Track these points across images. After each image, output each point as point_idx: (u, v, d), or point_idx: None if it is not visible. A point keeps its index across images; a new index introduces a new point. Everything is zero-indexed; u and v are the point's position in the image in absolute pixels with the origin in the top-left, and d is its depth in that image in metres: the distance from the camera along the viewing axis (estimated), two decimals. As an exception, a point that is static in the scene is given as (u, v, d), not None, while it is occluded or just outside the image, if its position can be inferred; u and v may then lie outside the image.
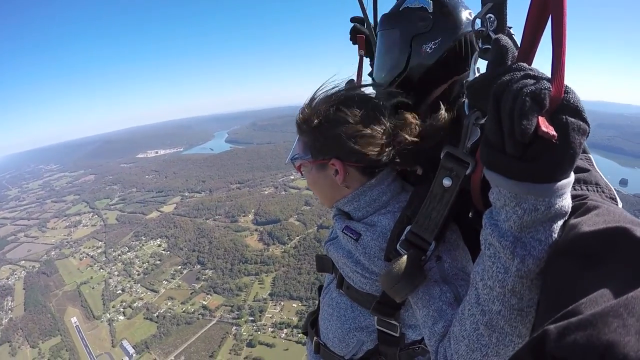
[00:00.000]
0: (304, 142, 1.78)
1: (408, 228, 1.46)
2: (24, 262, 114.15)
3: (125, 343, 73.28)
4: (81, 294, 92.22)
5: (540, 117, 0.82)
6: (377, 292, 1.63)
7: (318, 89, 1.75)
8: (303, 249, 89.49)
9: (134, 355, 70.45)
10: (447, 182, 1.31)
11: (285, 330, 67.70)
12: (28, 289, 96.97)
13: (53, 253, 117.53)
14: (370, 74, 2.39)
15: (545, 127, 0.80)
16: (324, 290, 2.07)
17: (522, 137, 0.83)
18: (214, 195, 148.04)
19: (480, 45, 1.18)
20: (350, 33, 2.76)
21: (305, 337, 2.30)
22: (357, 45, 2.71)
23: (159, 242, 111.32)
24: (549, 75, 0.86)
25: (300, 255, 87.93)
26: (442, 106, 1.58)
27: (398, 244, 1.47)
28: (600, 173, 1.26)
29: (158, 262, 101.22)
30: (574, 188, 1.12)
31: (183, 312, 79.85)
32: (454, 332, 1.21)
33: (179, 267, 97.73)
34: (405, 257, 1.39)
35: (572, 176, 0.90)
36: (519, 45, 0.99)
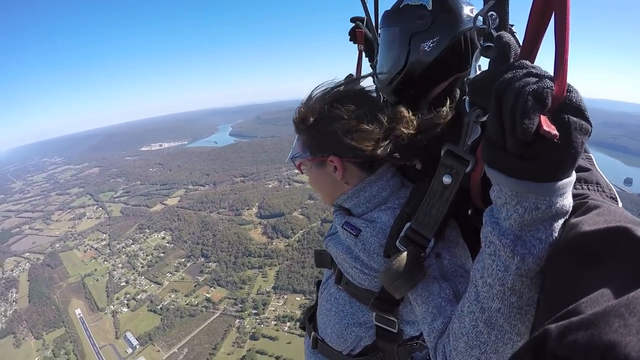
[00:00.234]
0: (302, 141, 1.80)
1: (408, 225, 1.47)
2: (28, 254, 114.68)
3: (129, 335, 73.60)
4: (85, 286, 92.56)
5: (542, 116, 0.82)
6: (375, 288, 1.63)
7: (314, 88, 1.76)
8: (307, 243, 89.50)
9: (137, 346, 70.81)
10: (447, 180, 1.31)
11: (288, 324, 67.78)
12: (32, 280, 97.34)
13: (57, 245, 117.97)
14: (374, 69, 2.33)
15: (547, 126, 0.80)
16: (323, 286, 2.09)
17: (523, 136, 0.83)
18: (218, 188, 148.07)
19: (482, 43, 1.17)
20: (350, 33, 2.79)
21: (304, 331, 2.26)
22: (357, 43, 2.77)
23: (163, 235, 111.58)
24: (552, 74, 0.85)
25: (303, 248, 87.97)
26: (446, 102, 1.59)
27: (397, 241, 1.48)
28: (601, 172, 1.25)
29: (162, 254, 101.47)
30: (574, 187, 1.10)
31: (187, 304, 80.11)
32: (453, 329, 1.21)
33: (183, 259, 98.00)
34: (404, 253, 1.39)
35: (574, 175, 0.90)
36: (521, 43, 0.98)
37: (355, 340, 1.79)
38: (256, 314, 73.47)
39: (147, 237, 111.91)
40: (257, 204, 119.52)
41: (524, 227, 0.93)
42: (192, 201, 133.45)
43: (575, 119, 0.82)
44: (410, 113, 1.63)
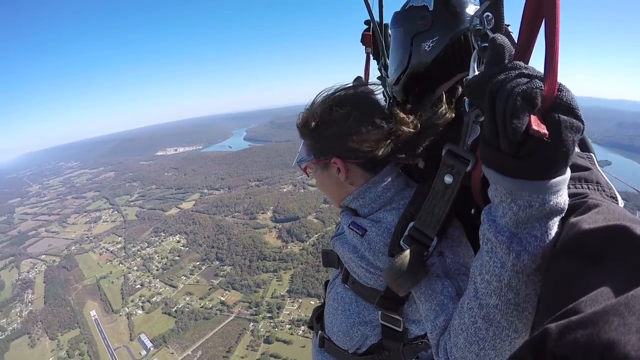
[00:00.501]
0: (307, 145, 1.86)
1: (411, 224, 1.51)
2: (44, 256, 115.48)
3: (143, 337, 73.43)
4: (100, 288, 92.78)
5: (532, 116, 0.83)
6: (381, 287, 1.67)
7: (317, 94, 1.82)
8: (322, 247, 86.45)
9: (151, 349, 70.52)
10: (448, 179, 1.33)
11: (302, 328, 66.65)
12: (48, 282, 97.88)
13: (73, 248, 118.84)
14: (380, 70, 2.58)
15: (537, 125, 0.81)
16: (330, 285, 2.13)
17: (513, 136, 0.84)
18: (232, 192, 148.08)
19: (480, 44, 1.18)
20: (362, 34, 2.83)
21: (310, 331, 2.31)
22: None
23: (178, 238, 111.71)
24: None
25: (318, 252, 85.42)
26: (443, 101, 1.63)
27: (401, 240, 1.52)
28: (602, 172, 1.26)
29: (177, 257, 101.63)
30: (574, 186, 1.14)
31: (201, 307, 79.79)
32: (453, 326, 1.23)
33: (198, 263, 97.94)
34: (407, 251, 1.43)
35: (568, 173, 0.91)
36: (516, 44, 1.01)
37: (361, 339, 1.83)
38: (270, 318, 72.80)
39: (162, 241, 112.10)
40: (271, 207, 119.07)
41: (519, 225, 0.95)
42: (207, 205, 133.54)
43: (565, 117, 0.83)
44: (410, 113, 1.67)
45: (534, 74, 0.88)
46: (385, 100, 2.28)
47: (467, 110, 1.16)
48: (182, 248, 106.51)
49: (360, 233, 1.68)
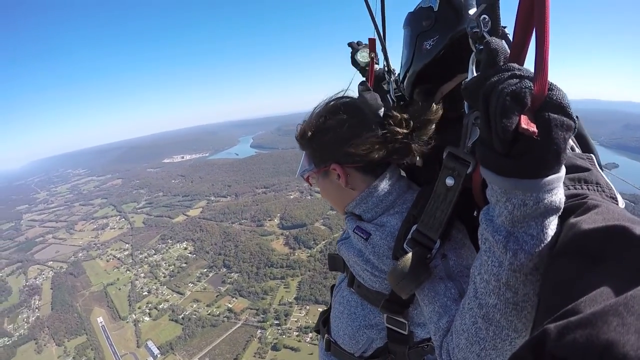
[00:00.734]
0: (307, 155, 1.89)
1: (414, 227, 1.52)
2: (51, 262, 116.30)
3: (150, 344, 73.38)
4: (107, 295, 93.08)
5: (522, 115, 0.84)
6: (386, 290, 1.69)
7: (314, 108, 1.87)
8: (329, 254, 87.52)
9: (158, 356, 70.43)
10: (449, 182, 1.35)
11: (310, 335, 66.47)
12: (55, 288, 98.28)
13: (80, 254, 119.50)
14: (389, 74, 2.56)
15: (526, 124, 0.83)
16: (336, 289, 2.15)
17: (503, 135, 0.86)
18: (239, 199, 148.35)
19: (477, 46, 1.18)
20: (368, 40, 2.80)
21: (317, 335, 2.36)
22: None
23: (185, 245, 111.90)
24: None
25: (326, 259, 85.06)
26: (435, 102, 1.69)
27: (405, 243, 1.53)
28: (602, 172, 1.26)
29: (184, 264, 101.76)
30: (574, 187, 1.14)
31: (208, 314, 79.78)
32: (455, 326, 1.24)
33: (205, 270, 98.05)
34: (410, 254, 1.44)
35: (562, 171, 0.91)
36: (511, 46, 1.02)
37: (367, 342, 1.85)
38: (278, 325, 72.62)
39: (169, 248, 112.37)
40: (278, 215, 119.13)
41: (516, 224, 0.96)
42: (214, 212, 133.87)
43: (555, 115, 0.84)
44: (404, 113, 1.69)
45: (526, 74, 0.89)
46: (389, 104, 2.31)
47: (467, 112, 1.18)
48: (189, 255, 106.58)
49: (365, 237, 1.70)
